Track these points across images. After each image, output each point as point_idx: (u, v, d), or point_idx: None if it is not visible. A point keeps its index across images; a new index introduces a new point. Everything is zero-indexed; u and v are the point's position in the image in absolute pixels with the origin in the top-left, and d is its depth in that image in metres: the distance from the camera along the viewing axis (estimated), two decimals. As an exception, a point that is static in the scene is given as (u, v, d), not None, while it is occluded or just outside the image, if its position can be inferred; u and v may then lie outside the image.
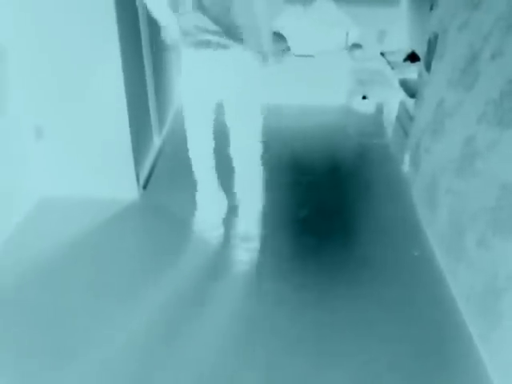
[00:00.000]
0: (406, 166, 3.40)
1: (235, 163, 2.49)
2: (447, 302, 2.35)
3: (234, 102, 2.29)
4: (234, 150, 2.45)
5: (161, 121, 3.73)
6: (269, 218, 2.79)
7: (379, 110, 4.43)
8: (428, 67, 3.07)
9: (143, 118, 3.26)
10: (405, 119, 3.55)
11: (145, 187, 3.14)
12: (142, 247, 2.69)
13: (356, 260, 2.62)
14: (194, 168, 2.63)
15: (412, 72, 3.70)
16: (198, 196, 2.76)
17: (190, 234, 2.77)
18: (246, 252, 2.58)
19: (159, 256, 2.59)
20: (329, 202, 2.88)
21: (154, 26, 3.42)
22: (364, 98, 4.48)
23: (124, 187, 3.00)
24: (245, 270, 2.52)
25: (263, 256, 2.61)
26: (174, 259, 2.57)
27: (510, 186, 1.92)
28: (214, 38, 2.06)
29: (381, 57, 4.30)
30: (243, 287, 2.42)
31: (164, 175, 3.31)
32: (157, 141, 3.64)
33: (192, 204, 2.95)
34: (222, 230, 2.75)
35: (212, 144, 2.55)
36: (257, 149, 2.43)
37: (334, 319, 2.25)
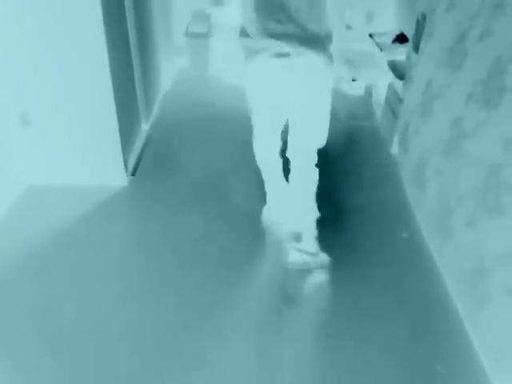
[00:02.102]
0: (394, 148, 3.40)
1: (292, 166, 2.41)
2: (436, 283, 2.36)
3: (305, 108, 2.23)
4: (292, 154, 2.38)
5: (148, 107, 3.69)
6: (256, 200, 2.79)
7: (368, 91, 4.41)
8: (416, 48, 3.05)
9: (130, 105, 3.22)
10: (394, 101, 3.54)
11: (133, 174, 3.12)
12: (131, 234, 2.68)
13: (345, 242, 2.62)
14: (262, 170, 2.59)
15: (401, 53, 3.68)
16: (268, 196, 2.70)
17: (177, 219, 2.75)
18: (297, 252, 2.45)
19: (148, 242, 2.58)
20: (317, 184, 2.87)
21: (139, 8, 3.38)
22: (353, 79, 4.45)
23: (112, 174, 2.98)
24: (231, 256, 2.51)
25: (252, 238, 2.62)
26: (162, 245, 2.56)
27: (497, 166, 1.93)
28: (293, 49, 2.05)
29: (369, 38, 4.28)
30: (230, 273, 2.42)
31: (152, 162, 3.29)
32: (144, 127, 3.61)
33: (180, 190, 2.96)
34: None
35: (279, 146, 2.50)
36: (315, 157, 2.36)
37: (323, 301, 2.26)
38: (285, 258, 2.46)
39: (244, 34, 2.13)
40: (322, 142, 2.32)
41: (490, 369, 1.92)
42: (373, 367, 1.95)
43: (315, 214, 2.50)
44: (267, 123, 2.39)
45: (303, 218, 2.46)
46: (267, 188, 2.66)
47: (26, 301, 2.19)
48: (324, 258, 2.46)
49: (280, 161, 2.54)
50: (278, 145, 2.48)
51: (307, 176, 2.39)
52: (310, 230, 2.46)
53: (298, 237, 2.46)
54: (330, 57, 2.15)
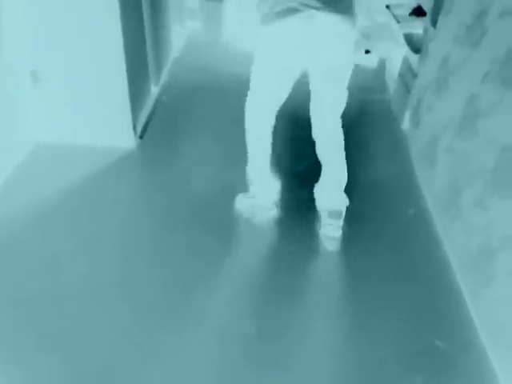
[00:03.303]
0: (406, 123, 3.37)
1: (316, 134, 2.37)
2: (440, 260, 2.37)
3: (327, 74, 2.16)
4: (316, 120, 2.34)
5: (158, 69, 3.65)
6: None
7: (382, 64, 4.35)
8: (434, 22, 2.99)
9: (141, 66, 3.19)
10: (408, 75, 3.49)
11: (141, 137, 3.10)
12: (138, 196, 2.68)
13: (351, 216, 2.61)
14: (249, 141, 2.42)
15: (417, 27, 3.61)
16: (250, 174, 2.53)
17: (183, 183, 2.76)
18: (336, 229, 2.42)
19: (155, 205, 2.59)
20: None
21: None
22: (367, 52, 4.39)
23: (121, 136, 2.96)
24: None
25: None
26: (168, 209, 2.57)
27: (509, 147, 1.91)
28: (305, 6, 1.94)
29: (386, 10, 4.19)
30: (241, 243, 2.44)
31: (161, 125, 3.27)
32: (154, 90, 3.58)
33: (188, 155, 2.95)
34: (275, 212, 2.61)
35: (274, 120, 2.38)
36: (339, 119, 2.33)
37: (326, 274, 2.29)
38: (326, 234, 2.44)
39: None
40: (342, 105, 2.29)
41: (490, 347, 1.94)
42: (371, 339, 1.98)
43: (344, 180, 2.45)
44: (271, 93, 2.26)
45: (341, 194, 2.44)
46: (252, 166, 2.51)
47: (33, 259, 2.21)
48: None
49: (270, 137, 2.41)
50: (273, 119, 2.37)
51: (333, 143, 2.38)
52: (342, 200, 2.46)
53: (339, 214, 2.43)
54: (355, 18, 2.06)
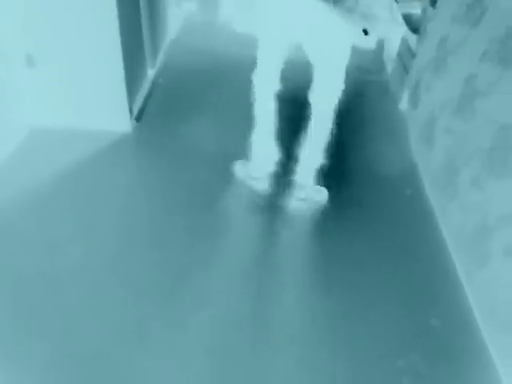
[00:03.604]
0: (403, 104, 3.35)
1: (313, 111, 2.47)
2: (436, 240, 2.38)
3: (315, 53, 2.29)
4: (314, 99, 2.44)
5: (154, 52, 3.62)
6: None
7: (380, 45, 4.31)
8: (433, 2, 2.96)
9: (137, 49, 3.15)
10: (406, 55, 3.46)
11: (138, 120, 3.08)
12: (134, 180, 2.67)
13: (348, 197, 2.61)
14: (256, 108, 2.55)
15: (416, 7, 3.58)
16: (254, 140, 2.64)
17: (179, 167, 2.75)
18: (298, 200, 2.57)
19: (151, 189, 2.58)
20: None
21: None
22: (365, 32, 4.34)
23: (117, 119, 2.94)
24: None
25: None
26: (164, 192, 2.56)
27: (507, 127, 1.90)
28: None
29: (384, -11, 4.14)
30: (237, 221, 2.44)
31: (157, 107, 3.24)
32: (150, 73, 3.55)
33: (184, 137, 2.93)
34: (267, 182, 2.70)
35: (277, 86, 2.49)
36: (334, 105, 2.43)
37: (323, 255, 2.29)
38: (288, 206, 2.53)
39: None
40: (339, 87, 2.39)
41: (484, 327, 1.95)
42: (366, 319, 1.98)
43: (321, 160, 2.58)
44: (272, 58, 2.40)
45: (311, 171, 2.56)
46: (256, 135, 2.62)
47: (29, 242, 2.20)
48: (324, 194, 2.60)
49: (274, 105, 2.53)
50: (277, 85, 2.47)
51: (326, 122, 2.47)
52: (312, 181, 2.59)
53: (302, 187, 2.58)
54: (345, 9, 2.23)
